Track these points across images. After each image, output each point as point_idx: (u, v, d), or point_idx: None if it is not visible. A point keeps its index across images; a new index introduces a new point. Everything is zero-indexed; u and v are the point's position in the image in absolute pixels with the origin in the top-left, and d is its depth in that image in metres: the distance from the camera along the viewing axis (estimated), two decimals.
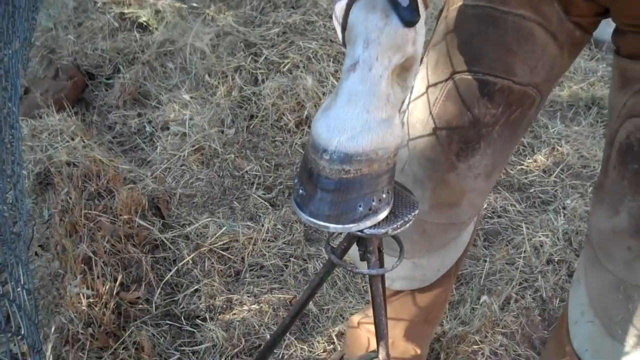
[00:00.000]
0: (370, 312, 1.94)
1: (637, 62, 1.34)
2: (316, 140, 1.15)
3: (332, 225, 1.20)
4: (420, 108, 1.53)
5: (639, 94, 1.34)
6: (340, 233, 1.45)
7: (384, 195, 1.20)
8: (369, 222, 1.20)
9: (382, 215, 1.22)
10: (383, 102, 1.11)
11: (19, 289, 1.43)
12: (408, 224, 1.26)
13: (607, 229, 1.42)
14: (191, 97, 3.42)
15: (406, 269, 1.73)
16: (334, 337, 2.36)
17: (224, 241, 2.67)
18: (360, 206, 1.18)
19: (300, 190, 1.22)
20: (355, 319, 2.14)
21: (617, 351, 1.45)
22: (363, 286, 2.54)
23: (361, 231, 1.22)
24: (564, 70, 1.48)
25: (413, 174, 1.58)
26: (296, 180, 1.25)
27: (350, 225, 1.20)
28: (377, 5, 1.07)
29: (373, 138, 1.11)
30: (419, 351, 2.09)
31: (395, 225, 1.24)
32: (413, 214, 1.27)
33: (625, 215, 1.38)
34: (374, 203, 1.18)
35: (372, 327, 1.99)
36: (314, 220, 1.20)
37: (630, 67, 1.36)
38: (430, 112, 1.52)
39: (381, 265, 1.40)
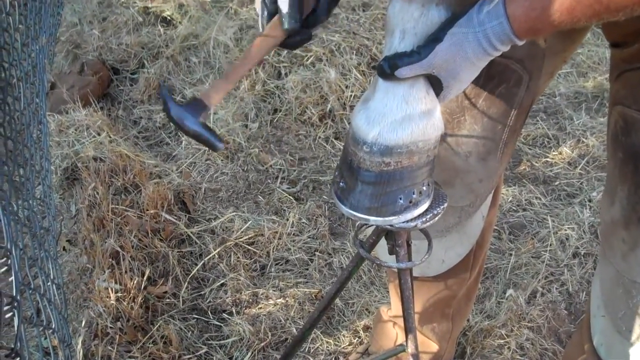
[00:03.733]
0: (398, 305, 1.94)
1: (616, 49, 1.35)
2: (356, 132, 1.15)
3: (372, 218, 1.21)
4: None
5: (618, 80, 1.34)
6: (368, 227, 1.45)
7: (424, 188, 1.20)
8: (409, 215, 1.21)
9: (423, 207, 1.22)
10: (423, 94, 1.11)
11: (48, 283, 1.45)
12: (437, 217, 1.26)
13: (608, 219, 1.42)
14: None
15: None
16: (360, 331, 2.37)
17: (249, 235, 2.68)
18: (400, 199, 1.18)
19: (341, 183, 1.22)
20: (384, 311, 2.14)
21: (625, 348, 1.44)
22: (388, 280, 2.54)
23: (391, 224, 1.23)
24: (553, 52, 1.45)
25: None
26: (336, 173, 1.25)
27: (391, 218, 1.20)
28: None
29: (413, 130, 1.11)
30: (436, 347, 2.08)
31: (424, 219, 1.24)
32: (442, 207, 1.27)
33: (618, 205, 1.37)
34: (414, 195, 1.18)
35: (400, 321, 1.99)
36: (355, 213, 1.21)
37: (613, 53, 1.37)
38: None
39: (409, 259, 1.40)
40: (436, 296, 1.92)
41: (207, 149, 3.08)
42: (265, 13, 1.24)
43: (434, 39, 1.06)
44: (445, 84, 1.11)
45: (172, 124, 1.14)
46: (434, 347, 2.07)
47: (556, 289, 2.50)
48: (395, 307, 2.05)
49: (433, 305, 1.94)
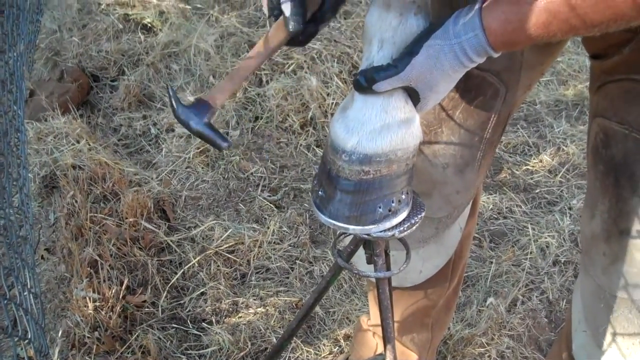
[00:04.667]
0: (377, 314, 1.93)
1: (595, 61, 1.35)
2: (335, 141, 1.15)
3: (352, 227, 1.20)
4: None
5: (599, 91, 1.34)
6: (347, 236, 1.45)
7: (403, 197, 1.20)
8: (388, 224, 1.20)
9: (402, 216, 1.22)
10: (402, 103, 1.11)
11: (25, 293, 1.43)
12: (415, 226, 1.26)
13: (588, 233, 1.42)
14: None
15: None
16: (340, 340, 2.36)
17: (230, 244, 2.67)
18: (380, 207, 1.17)
19: (320, 192, 1.22)
20: (363, 320, 2.13)
21: None
22: (368, 289, 2.53)
23: (368, 234, 1.22)
24: (530, 65, 1.45)
25: None
26: (315, 182, 1.25)
27: (371, 227, 1.20)
28: (391, 5, 1.07)
29: (392, 138, 1.11)
30: (416, 357, 2.06)
31: (402, 228, 1.24)
32: (420, 216, 1.27)
33: (598, 218, 1.37)
34: (393, 204, 1.18)
35: (380, 330, 1.98)
36: (334, 222, 1.21)
37: (593, 65, 1.37)
38: None
39: (388, 268, 1.40)
40: (415, 306, 1.91)
41: (187, 156, 3.07)
42: (272, 14, 1.24)
43: (410, 52, 1.06)
44: (422, 95, 1.11)
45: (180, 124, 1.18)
46: (414, 357, 2.06)
47: (536, 297, 2.50)
48: (375, 316, 2.04)
49: (412, 315, 1.93)
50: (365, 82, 1.08)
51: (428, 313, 1.95)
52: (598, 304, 1.40)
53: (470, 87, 1.40)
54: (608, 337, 1.40)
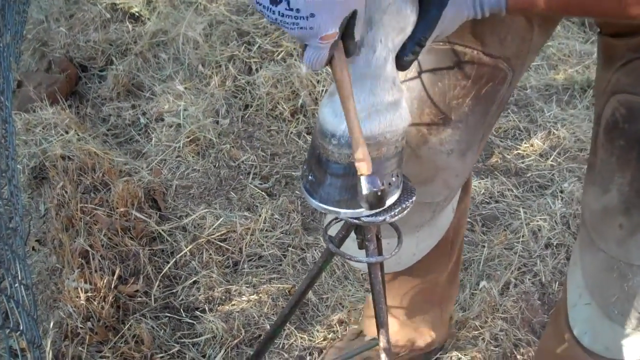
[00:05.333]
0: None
1: (620, 39, 1.36)
2: (324, 125, 1.14)
3: (342, 210, 1.20)
4: None
5: (622, 69, 1.36)
6: (338, 221, 1.44)
7: (393, 179, 1.20)
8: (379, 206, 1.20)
9: (393, 198, 1.22)
10: (389, 85, 1.10)
11: (16, 285, 1.42)
12: (406, 211, 1.26)
13: (599, 208, 1.43)
14: (185, 88, 3.41)
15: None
16: (335, 325, 2.36)
17: (222, 232, 2.66)
18: None
19: (310, 177, 1.22)
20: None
21: (616, 333, 1.45)
22: (362, 274, 2.53)
23: (359, 219, 1.22)
24: (535, 48, 1.48)
25: None
26: (305, 167, 1.24)
27: (361, 210, 1.19)
28: None
29: (381, 121, 1.11)
30: (432, 334, 2.12)
31: (393, 213, 1.23)
32: (411, 200, 1.26)
33: (615, 192, 1.38)
34: (383, 187, 1.17)
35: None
36: (325, 206, 1.20)
37: (613, 44, 1.38)
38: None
39: (380, 253, 1.39)
40: (420, 287, 1.95)
41: (177, 145, 3.06)
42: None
43: (440, 3, 1.06)
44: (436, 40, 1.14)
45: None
46: (431, 335, 2.12)
47: (529, 279, 2.51)
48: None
49: (418, 295, 1.97)
50: (413, 52, 1.09)
51: (434, 290, 1.99)
52: (609, 275, 1.42)
53: (482, 75, 1.42)
54: (621, 306, 1.40)
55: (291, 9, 0.91)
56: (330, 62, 1.04)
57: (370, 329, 2.15)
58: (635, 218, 1.36)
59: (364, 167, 1.08)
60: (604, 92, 1.40)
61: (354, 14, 0.97)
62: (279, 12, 0.91)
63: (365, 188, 1.11)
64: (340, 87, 1.05)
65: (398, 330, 2.07)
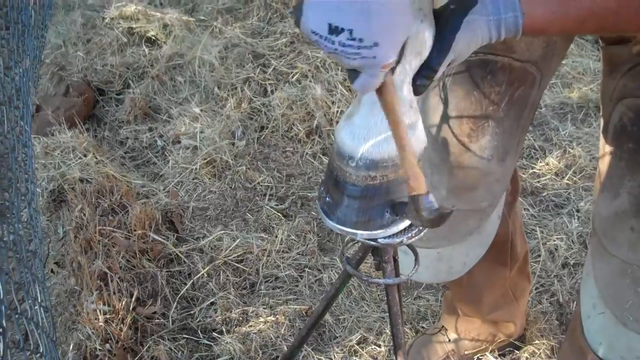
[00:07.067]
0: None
1: (623, 47, 1.39)
2: (341, 147, 1.15)
3: (359, 232, 1.20)
4: (429, 94, 1.59)
5: (627, 74, 1.39)
6: (355, 243, 1.45)
7: None
8: (396, 228, 1.20)
9: (409, 220, 1.22)
10: (406, 108, 1.11)
11: (36, 307, 1.43)
12: (423, 233, 1.26)
13: (610, 213, 1.44)
14: (201, 110, 3.43)
15: (431, 260, 1.74)
16: (354, 346, 2.36)
17: (238, 253, 2.67)
18: (387, 212, 1.17)
19: (327, 198, 1.22)
20: (447, 295, 2.28)
21: (632, 340, 1.44)
22: (379, 295, 2.53)
23: (375, 240, 1.22)
24: (560, 51, 1.55)
25: (429, 159, 1.61)
26: (322, 188, 1.25)
27: (378, 232, 1.20)
28: None
29: None
30: (512, 326, 2.23)
31: (410, 234, 1.24)
32: None
33: (625, 196, 1.40)
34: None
35: (461, 306, 2.18)
36: (342, 227, 1.21)
37: (616, 52, 1.41)
38: (440, 97, 1.58)
39: (397, 275, 1.40)
40: (489, 288, 2.07)
41: (194, 167, 3.08)
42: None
43: (453, 28, 1.05)
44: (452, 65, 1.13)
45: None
46: (511, 327, 2.23)
47: (546, 299, 2.50)
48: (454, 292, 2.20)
49: (490, 295, 2.09)
50: (427, 77, 1.07)
51: (503, 284, 2.08)
52: (623, 281, 1.42)
53: (513, 80, 1.49)
54: (636, 312, 1.40)
55: (354, 39, 0.88)
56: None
57: (450, 324, 2.26)
58: None
59: (422, 186, 1.08)
60: (610, 100, 1.44)
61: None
62: (339, 42, 0.89)
63: (425, 211, 1.10)
64: (391, 111, 1.04)
65: (480, 326, 2.19)
